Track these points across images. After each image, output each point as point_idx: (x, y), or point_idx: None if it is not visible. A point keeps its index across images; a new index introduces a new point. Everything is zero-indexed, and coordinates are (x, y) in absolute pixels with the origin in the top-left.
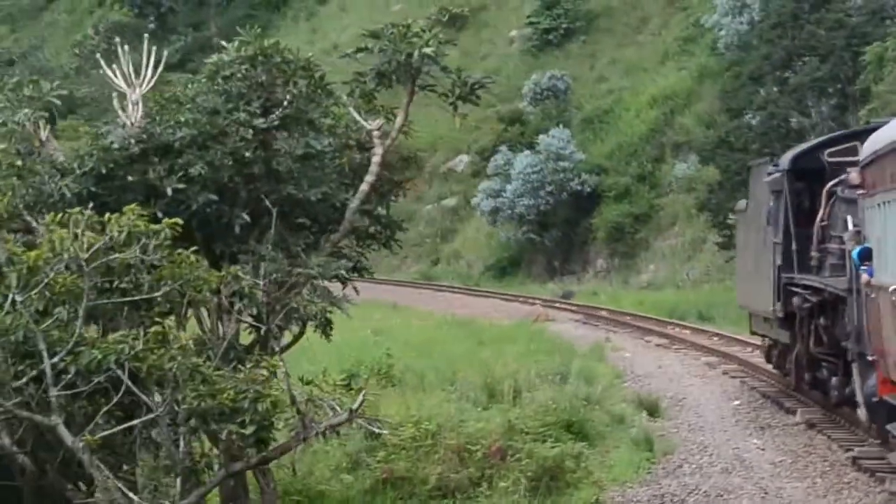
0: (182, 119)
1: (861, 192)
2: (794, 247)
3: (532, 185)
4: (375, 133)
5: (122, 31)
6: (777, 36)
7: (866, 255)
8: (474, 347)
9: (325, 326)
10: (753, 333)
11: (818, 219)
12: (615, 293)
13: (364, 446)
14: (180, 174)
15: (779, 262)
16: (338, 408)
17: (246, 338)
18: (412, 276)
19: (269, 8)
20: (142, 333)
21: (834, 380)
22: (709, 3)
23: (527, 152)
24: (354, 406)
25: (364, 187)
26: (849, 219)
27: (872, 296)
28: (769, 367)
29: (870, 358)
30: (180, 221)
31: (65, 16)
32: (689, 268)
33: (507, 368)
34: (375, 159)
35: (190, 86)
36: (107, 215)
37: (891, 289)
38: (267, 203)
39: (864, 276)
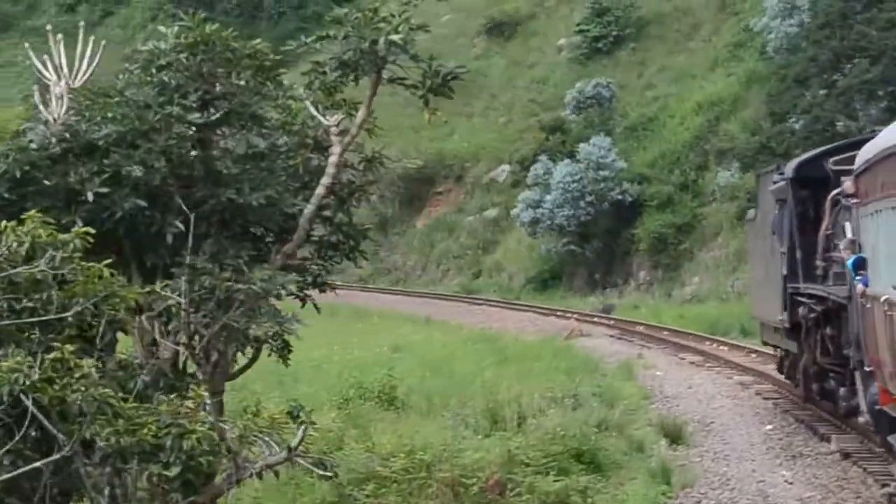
0: (109, 115)
1: (855, 200)
2: (798, 256)
3: (572, 194)
4: (333, 130)
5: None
6: (825, 37)
7: (861, 265)
8: (495, 365)
9: (282, 350)
10: (765, 344)
11: (823, 227)
12: (657, 307)
13: (353, 478)
14: (106, 176)
15: (784, 271)
16: (275, 445)
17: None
18: (453, 289)
19: (319, 21)
20: (39, 360)
21: (842, 390)
22: (759, 6)
23: (567, 161)
24: (294, 443)
25: (320, 191)
26: (846, 227)
27: (868, 306)
28: (783, 377)
29: (867, 368)
30: (92, 231)
31: (118, 30)
32: (734, 279)
33: (513, 391)
34: (332, 160)
35: (122, 76)
36: (3, 223)
37: (882, 299)
38: (205, 209)
39: (859, 286)
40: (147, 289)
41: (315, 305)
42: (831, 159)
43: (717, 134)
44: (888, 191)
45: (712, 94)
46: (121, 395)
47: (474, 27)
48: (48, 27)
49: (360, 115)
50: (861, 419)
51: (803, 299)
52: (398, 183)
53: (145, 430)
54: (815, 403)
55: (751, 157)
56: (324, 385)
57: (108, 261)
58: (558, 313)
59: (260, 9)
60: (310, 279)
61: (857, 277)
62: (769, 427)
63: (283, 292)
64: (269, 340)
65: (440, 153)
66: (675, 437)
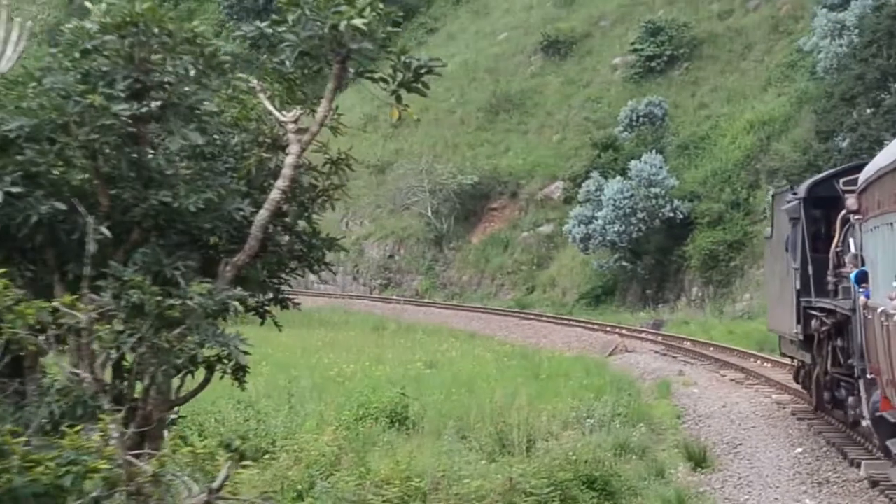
0: (24, 105)
1: (858, 217)
2: (810, 271)
3: (623, 211)
4: (291, 127)
5: (233, 63)
6: (871, 55)
7: (863, 278)
8: (526, 384)
9: (237, 373)
10: (783, 355)
11: (833, 245)
12: (707, 322)
13: None
14: (18, 175)
15: (798, 286)
16: (194, 485)
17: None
18: (507, 304)
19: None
20: None
21: (850, 399)
22: (810, 26)
23: (618, 178)
24: (216, 484)
25: (275, 195)
26: (851, 243)
27: (868, 317)
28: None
29: (869, 376)
30: None
31: None
32: None
33: (523, 413)
34: (289, 160)
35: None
36: None
37: (879, 310)
38: (135, 213)
39: (862, 298)
40: (38, 304)
41: (276, 323)
42: (842, 180)
43: (767, 152)
44: (883, 208)
45: (763, 114)
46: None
47: (531, 45)
48: None
49: (322, 109)
50: (864, 423)
51: (815, 312)
52: (454, 199)
53: (42, 469)
54: (827, 411)
55: (799, 176)
56: (339, 403)
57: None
58: (607, 329)
59: None
60: (270, 294)
61: (860, 290)
62: (799, 450)
63: (230, 308)
64: (222, 362)
65: (495, 170)
66: (699, 460)
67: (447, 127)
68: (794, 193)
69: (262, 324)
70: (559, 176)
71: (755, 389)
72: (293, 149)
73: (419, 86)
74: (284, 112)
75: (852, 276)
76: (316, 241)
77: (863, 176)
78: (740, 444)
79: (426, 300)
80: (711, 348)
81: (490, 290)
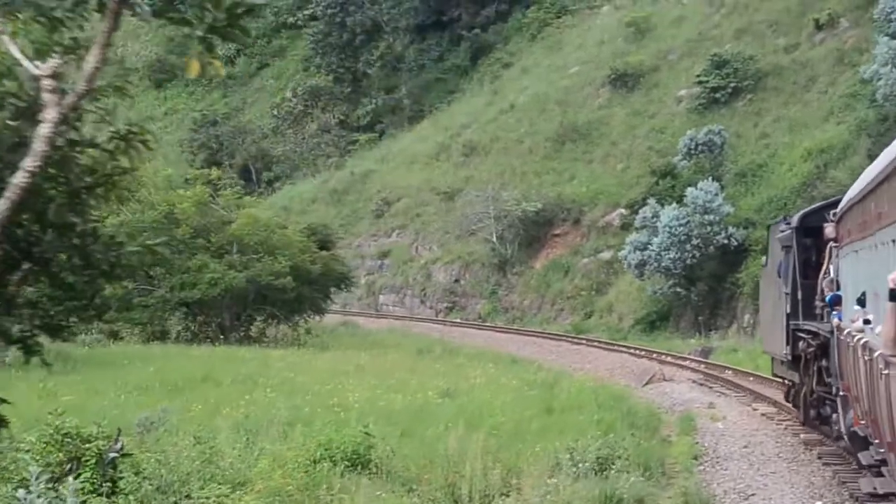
0: None
1: (835, 244)
2: (800, 296)
3: (678, 238)
4: (47, 83)
5: (317, 94)
6: None
7: (837, 301)
8: (537, 417)
9: None
10: (775, 376)
11: (822, 271)
12: (755, 351)
13: None
14: None
15: (788, 310)
16: None
17: None
18: (565, 329)
19: (457, 72)
20: None
21: (834, 416)
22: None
23: (674, 205)
24: None
25: (19, 179)
26: (831, 269)
27: (841, 337)
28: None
29: (842, 393)
30: None
31: (272, 81)
32: None
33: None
34: (44, 129)
35: None
36: None
37: (845, 331)
38: None
39: (835, 320)
40: None
41: (45, 360)
42: (832, 211)
43: (824, 180)
44: (852, 236)
45: (822, 142)
46: None
47: (600, 78)
48: None
49: (93, 57)
50: (843, 440)
51: (802, 335)
52: (518, 225)
53: None
54: (814, 427)
55: None
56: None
57: None
58: (654, 356)
59: (401, 61)
60: (37, 321)
61: (834, 312)
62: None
63: None
64: None
65: (559, 197)
66: None
67: (515, 156)
68: (788, 223)
69: (26, 361)
70: (621, 203)
71: (784, 427)
72: (50, 112)
73: (235, 30)
74: (39, 64)
75: (827, 298)
76: (97, 246)
77: (841, 206)
78: (753, 495)
79: (487, 323)
80: (751, 378)
81: (550, 314)
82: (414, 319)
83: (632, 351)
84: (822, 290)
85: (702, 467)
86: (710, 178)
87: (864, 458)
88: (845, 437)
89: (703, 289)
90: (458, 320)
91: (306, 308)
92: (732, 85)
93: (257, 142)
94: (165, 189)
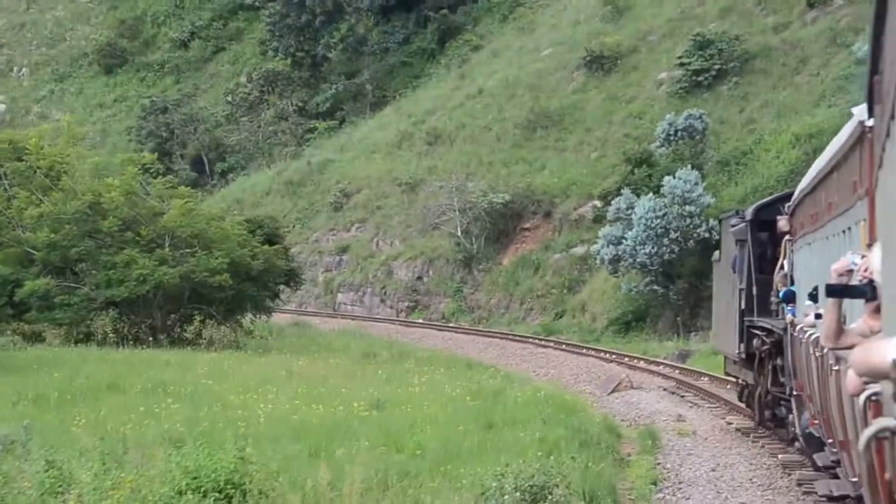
0: None
1: (789, 238)
2: (755, 292)
3: (655, 231)
4: None
5: (274, 80)
6: None
7: (791, 297)
8: (473, 432)
9: None
10: (727, 374)
11: (778, 266)
12: None
13: None
14: None
15: (742, 306)
16: None
17: None
18: (533, 330)
19: (424, 56)
20: None
21: (790, 417)
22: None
23: (650, 196)
24: None
25: None
26: (785, 264)
27: (795, 334)
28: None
29: (796, 393)
30: None
31: (227, 66)
32: None
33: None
34: None
35: None
36: None
37: (798, 328)
38: None
39: (788, 316)
40: None
41: None
42: (787, 204)
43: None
44: (805, 229)
45: (811, 126)
46: None
47: (574, 61)
48: None
49: None
50: (797, 442)
51: (757, 332)
52: (484, 219)
53: None
54: (769, 429)
55: None
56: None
57: None
58: (626, 359)
59: (364, 44)
60: None
61: (788, 309)
62: None
63: None
64: None
65: (529, 188)
66: None
67: (482, 144)
68: (742, 217)
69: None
70: (595, 195)
71: (762, 445)
72: None
73: None
74: None
75: (781, 294)
76: None
77: (793, 199)
78: None
79: (450, 325)
80: (728, 387)
81: (518, 314)
82: (372, 320)
83: (602, 355)
84: (777, 286)
85: (661, 495)
86: (689, 167)
87: (821, 459)
88: (801, 438)
89: (683, 286)
90: (420, 321)
91: (247, 308)
92: (717, 67)
93: (210, 130)
94: (93, 178)
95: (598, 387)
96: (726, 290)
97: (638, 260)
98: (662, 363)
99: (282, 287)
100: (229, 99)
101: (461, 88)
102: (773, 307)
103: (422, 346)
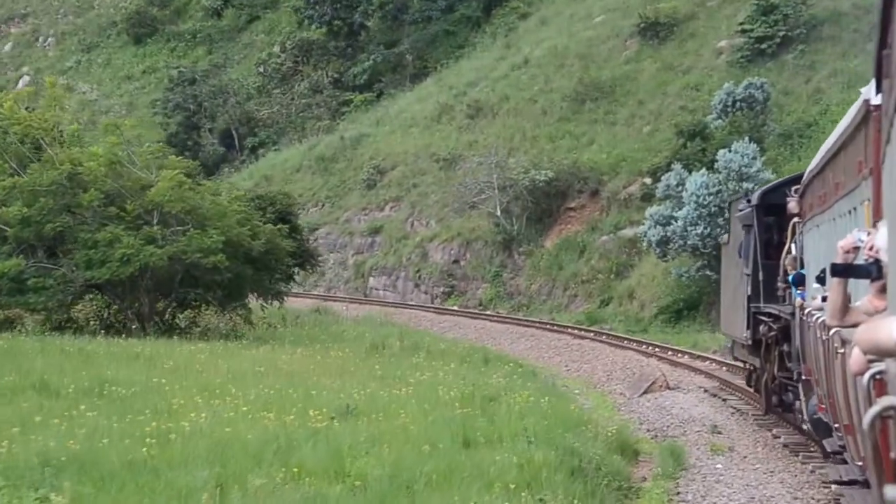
0: None
1: (798, 220)
2: (761, 277)
3: (707, 210)
4: None
5: (308, 49)
6: None
7: (800, 281)
8: (444, 453)
9: None
10: (735, 359)
11: (784, 251)
12: None
13: None
14: None
15: (749, 291)
16: None
17: None
18: (576, 319)
19: (468, 24)
20: None
21: (797, 403)
22: None
23: (703, 171)
24: None
25: None
26: (793, 247)
27: (803, 318)
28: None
29: (804, 378)
30: None
31: (262, 36)
32: None
33: None
34: None
35: None
36: None
37: (806, 310)
38: None
39: (798, 300)
40: None
41: None
42: (794, 188)
43: None
44: (814, 210)
45: None
46: None
47: (627, 28)
48: None
49: None
50: (804, 427)
51: (764, 318)
52: (526, 197)
53: None
54: (776, 414)
55: None
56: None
57: None
58: (669, 353)
59: (404, 12)
60: None
61: (797, 292)
62: None
63: None
64: None
65: (575, 164)
66: None
67: (527, 117)
68: (748, 201)
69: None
70: (645, 171)
71: (811, 469)
72: None
73: None
74: None
75: (790, 277)
76: None
77: (802, 180)
78: None
79: (486, 312)
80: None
81: (561, 301)
82: (404, 306)
83: (644, 348)
84: (785, 270)
85: None
86: (747, 140)
87: (829, 444)
88: (808, 424)
89: None
90: (455, 308)
91: (246, 293)
92: (781, 34)
93: (241, 103)
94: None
95: (631, 386)
96: (734, 275)
97: (689, 242)
98: (710, 358)
99: (297, 270)
100: (261, 70)
101: (506, 58)
102: (780, 292)
103: (447, 336)
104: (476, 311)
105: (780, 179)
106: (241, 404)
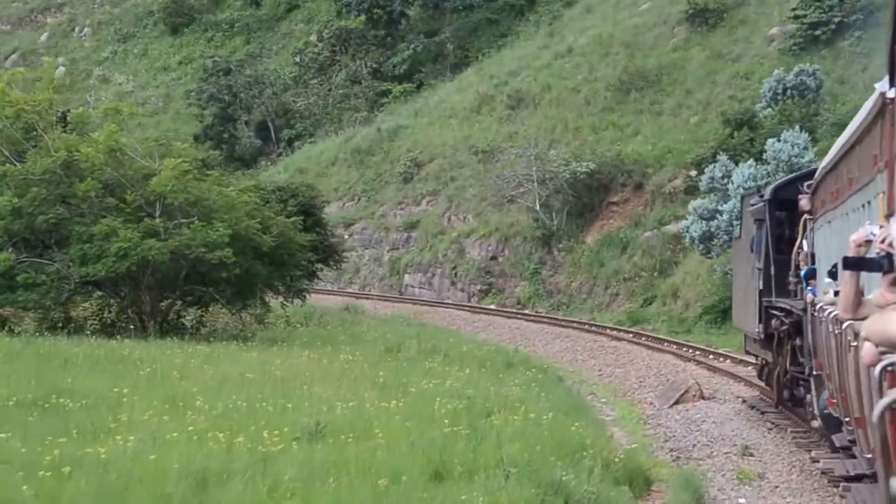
0: None
1: (809, 216)
2: (773, 272)
3: None
4: None
5: (347, 38)
6: None
7: (811, 276)
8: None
9: None
10: (747, 353)
11: (796, 246)
12: None
13: None
14: None
15: (760, 286)
16: None
17: None
18: (617, 319)
19: (511, 13)
20: None
21: (808, 397)
22: None
23: (750, 162)
24: None
25: None
26: (804, 242)
27: (814, 313)
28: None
29: (815, 372)
30: None
31: (301, 25)
32: None
33: None
34: None
35: None
36: None
37: (817, 307)
38: None
39: (809, 296)
40: None
41: None
42: (806, 183)
43: None
44: (826, 206)
45: None
46: None
47: (675, 15)
48: None
49: None
50: (815, 423)
51: (775, 312)
52: (566, 190)
53: None
54: (787, 408)
55: None
56: None
57: None
58: (710, 357)
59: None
60: None
61: (808, 288)
62: None
63: None
64: None
65: (619, 156)
66: None
67: (569, 107)
68: (761, 196)
69: None
70: (690, 163)
71: None
72: None
73: None
74: None
75: (802, 273)
76: None
77: (816, 176)
78: None
79: (523, 311)
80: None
81: (602, 299)
82: (438, 305)
83: (683, 350)
84: (797, 265)
85: None
86: (798, 129)
87: (838, 439)
88: (819, 418)
89: None
90: (492, 306)
91: (257, 289)
92: (836, 20)
93: (277, 94)
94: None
95: (661, 395)
96: (745, 269)
97: (734, 237)
98: (753, 364)
99: (320, 266)
100: (297, 60)
101: (549, 47)
102: (792, 287)
103: (479, 336)
104: (513, 310)
105: (792, 175)
106: (199, 421)
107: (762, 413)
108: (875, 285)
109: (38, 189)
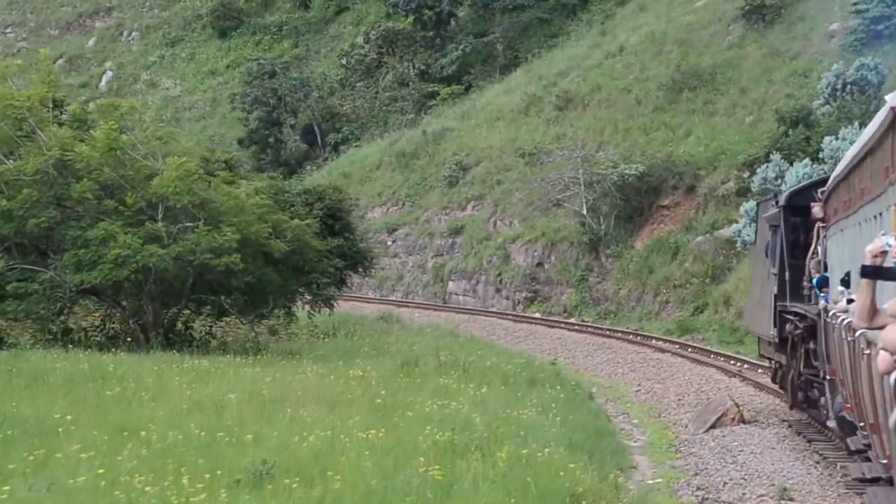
0: None
1: (822, 224)
2: (787, 277)
3: None
4: None
5: (394, 40)
6: None
7: (824, 283)
8: None
9: None
10: (761, 356)
11: (810, 252)
12: None
13: None
14: None
15: (775, 291)
16: None
17: None
18: (666, 328)
19: (563, 12)
20: None
21: (822, 399)
22: None
23: (806, 161)
24: None
25: None
26: (819, 250)
27: (828, 320)
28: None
29: (829, 377)
30: None
31: (350, 28)
32: None
33: None
34: None
35: None
36: None
37: (830, 314)
38: None
39: (822, 302)
40: None
41: None
42: (820, 190)
43: None
44: (838, 215)
45: None
46: None
47: (731, 11)
48: None
49: None
50: (830, 424)
51: (790, 316)
52: (615, 194)
53: None
54: (801, 410)
55: None
56: None
57: None
58: (759, 371)
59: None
60: None
61: (821, 295)
62: None
63: None
64: None
65: (670, 158)
66: None
67: (619, 108)
68: (776, 202)
69: None
70: (742, 164)
71: None
72: None
73: None
74: None
75: (814, 281)
76: None
77: (827, 185)
78: None
79: (569, 320)
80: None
81: (651, 307)
82: (481, 313)
83: (730, 364)
84: (810, 272)
85: None
86: (857, 126)
87: (853, 443)
88: (834, 422)
89: None
90: (538, 315)
91: (270, 298)
92: None
93: (324, 97)
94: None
95: (697, 417)
96: (760, 274)
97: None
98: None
99: (349, 273)
100: (344, 62)
101: (600, 46)
102: (806, 292)
103: (517, 347)
104: (558, 318)
105: (808, 181)
106: (131, 457)
107: (809, 442)
108: (888, 295)
109: (30, 190)
